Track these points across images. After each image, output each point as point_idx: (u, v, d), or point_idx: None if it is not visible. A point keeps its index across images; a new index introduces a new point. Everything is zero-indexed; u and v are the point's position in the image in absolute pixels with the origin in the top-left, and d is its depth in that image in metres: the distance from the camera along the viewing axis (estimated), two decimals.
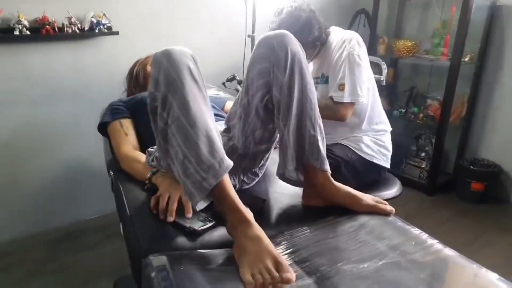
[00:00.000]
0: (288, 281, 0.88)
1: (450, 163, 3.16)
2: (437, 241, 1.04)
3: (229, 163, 1.05)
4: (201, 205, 1.08)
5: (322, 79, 1.91)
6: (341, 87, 1.78)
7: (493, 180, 2.84)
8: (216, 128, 1.10)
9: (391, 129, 2.03)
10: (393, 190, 1.94)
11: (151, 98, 1.10)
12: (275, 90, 1.18)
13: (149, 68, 1.92)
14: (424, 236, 1.07)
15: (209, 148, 1.02)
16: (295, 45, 1.18)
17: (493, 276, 0.91)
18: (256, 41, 1.21)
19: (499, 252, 2.30)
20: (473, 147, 3.06)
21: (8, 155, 2.21)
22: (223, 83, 2.41)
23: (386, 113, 3.08)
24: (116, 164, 1.49)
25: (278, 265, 0.91)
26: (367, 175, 1.94)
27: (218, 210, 1.14)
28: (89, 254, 2.22)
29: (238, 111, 1.31)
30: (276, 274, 0.89)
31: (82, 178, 2.44)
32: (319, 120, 1.23)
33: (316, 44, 1.85)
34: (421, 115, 3.04)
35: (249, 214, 1.02)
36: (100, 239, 2.33)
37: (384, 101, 3.23)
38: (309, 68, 1.96)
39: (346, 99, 1.77)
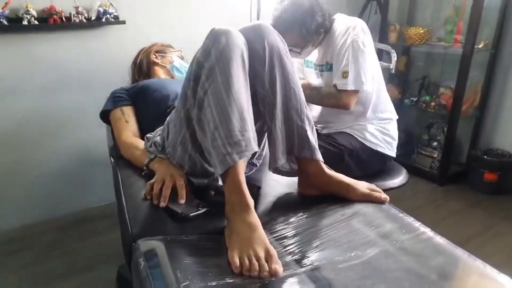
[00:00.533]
0: (275, 273, 0.87)
1: (463, 153, 3.10)
2: (429, 229, 1.02)
3: (255, 146, 1.05)
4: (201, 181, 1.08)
5: (327, 66, 1.89)
6: (345, 75, 1.76)
7: (507, 171, 2.76)
8: (251, 111, 1.10)
9: (397, 117, 2.00)
10: (398, 179, 1.91)
11: (197, 66, 1.09)
12: (257, 85, 1.16)
13: (153, 56, 1.93)
14: (417, 224, 1.05)
15: (241, 126, 1.02)
16: (272, 36, 1.16)
17: (481, 264, 0.91)
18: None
19: (509, 245, 2.25)
20: (486, 136, 2.99)
21: (17, 142, 2.26)
22: None
23: (397, 101, 3.05)
24: (116, 151, 1.51)
25: (268, 255, 0.91)
26: (372, 164, 1.92)
27: (212, 196, 1.16)
28: (95, 240, 2.25)
29: None
30: (264, 263, 0.89)
31: (90, 165, 2.48)
32: (306, 110, 1.22)
33: (320, 31, 1.82)
34: (433, 103, 2.98)
35: (251, 201, 1.02)
36: (107, 225, 2.36)
37: (396, 90, 3.19)
38: (312, 57, 1.96)
39: (350, 87, 1.75)
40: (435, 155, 3.02)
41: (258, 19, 2.54)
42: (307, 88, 1.91)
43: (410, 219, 1.08)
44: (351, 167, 1.85)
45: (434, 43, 2.93)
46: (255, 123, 1.25)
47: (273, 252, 0.91)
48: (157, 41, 2.06)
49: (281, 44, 1.18)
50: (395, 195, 1.89)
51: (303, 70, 2.09)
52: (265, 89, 1.15)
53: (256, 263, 0.89)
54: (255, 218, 0.99)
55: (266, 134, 1.35)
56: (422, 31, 2.92)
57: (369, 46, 1.79)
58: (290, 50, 1.82)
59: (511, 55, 2.75)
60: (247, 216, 0.98)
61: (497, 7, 2.69)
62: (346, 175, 1.84)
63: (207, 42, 1.09)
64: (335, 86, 1.79)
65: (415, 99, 3.11)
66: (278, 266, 0.89)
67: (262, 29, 1.15)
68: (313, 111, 2.02)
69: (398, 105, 3.17)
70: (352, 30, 1.76)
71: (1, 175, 2.27)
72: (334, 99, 1.80)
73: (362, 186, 1.22)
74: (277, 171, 1.27)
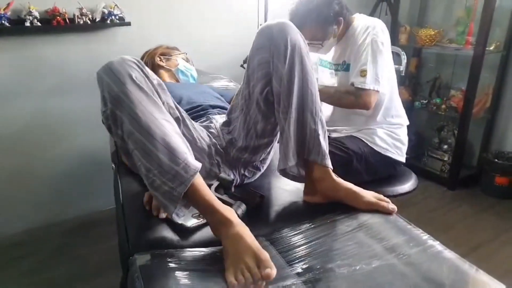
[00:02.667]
0: (267, 277, 0.86)
1: (474, 156, 3.04)
2: (438, 242, 0.98)
3: (196, 165, 1.00)
4: (181, 212, 1.05)
5: (343, 66, 1.85)
6: (363, 73, 1.70)
7: None
8: (176, 131, 1.06)
9: (407, 123, 1.95)
10: (408, 184, 1.87)
11: (104, 117, 1.06)
12: (275, 81, 1.14)
13: (157, 59, 1.90)
14: (425, 236, 1.01)
15: (170, 155, 0.98)
16: (296, 34, 1.13)
17: (491, 281, 0.85)
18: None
19: None
20: (498, 139, 2.92)
21: (22, 145, 2.25)
22: (242, 65, 2.37)
23: (407, 104, 3.00)
24: (118, 157, 1.48)
25: (258, 261, 0.89)
26: (381, 169, 1.87)
27: None
28: (102, 245, 2.23)
29: (240, 103, 1.28)
30: (256, 271, 0.87)
31: (97, 168, 2.46)
32: (321, 114, 1.19)
33: (339, 20, 1.77)
34: (443, 106, 2.93)
35: (228, 212, 0.99)
36: (115, 230, 2.34)
37: (406, 92, 3.14)
38: (326, 55, 1.91)
39: (368, 86, 1.69)
40: (446, 158, 2.96)
41: (266, 17, 2.50)
42: (324, 87, 1.87)
43: (418, 231, 1.04)
44: (360, 172, 1.81)
45: (445, 45, 2.87)
46: (267, 123, 1.24)
47: (264, 255, 0.89)
48: (162, 43, 2.03)
49: (303, 44, 1.16)
50: (405, 199, 1.86)
51: (317, 69, 2.05)
52: (283, 86, 1.13)
53: (249, 276, 0.87)
54: (237, 228, 0.96)
55: (276, 137, 1.32)
56: (433, 32, 2.86)
57: (387, 47, 1.75)
58: (310, 44, 1.80)
59: None
60: (229, 230, 0.96)
61: (509, 8, 2.63)
62: (355, 180, 1.79)
63: (100, 89, 1.05)
64: (352, 84, 1.74)
65: (425, 101, 3.05)
66: (269, 270, 0.87)
67: (286, 26, 1.14)
68: (324, 112, 1.98)
69: (409, 108, 3.12)
70: (372, 29, 1.72)
71: (6, 178, 2.25)
72: (353, 96, 1.73)
73: (369, 195, 1.18)
74: (284, 173, 1.24)
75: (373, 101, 1.73)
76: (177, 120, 1.17)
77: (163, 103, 1.12)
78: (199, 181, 1.00)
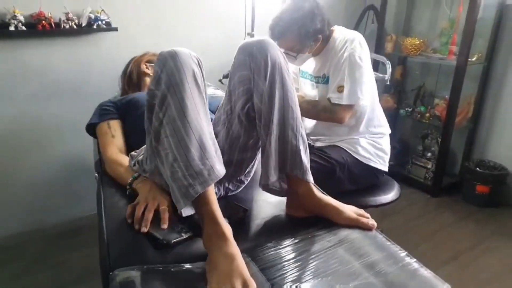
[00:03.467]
0: None
1: (456, 164, 3.10)
2: (415, 260, 1.00)
3: (220, 172, 1.02)
4: (187, 211, 1.06)
5: (323, 79, 1.87)
6: (340, 89, 1.75)
7: (499, 183, 2.77)
8: (212, 135, 1.08)
9: (390, 132, 1.98)
10: (391, 194, 1.91)
11: (150, 95, 1.08)
12: (256, 98, 1.15)
13: (143, 66, 1.89)
14: (403, 254, 1.03)
15: (201, 154, 1.00)
16: (276, 52, 1.15)
17: None
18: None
19: (500, 260, 2.24)
20: (480, 148, 2.99)
21: (5, 150, 2.22)
22: (220, 80, 2.38)
23: (392, 111, 3.05)
24: (102, 166, 1.48)
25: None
26: (364, 179, 1.90)
27: (197, 220, 1.12)
28: (85, 251, 2.21)
29: (222, 117, 1.28)
30: None
31: (80, 174, 2.43)
32: (302, 130, 1.20)
33: (318, 38, 1.79)
34: (427, 114, 2.97)
35: (227, 229, 0.99)
36: (97, 237, 2.33)
37: (391, 99, 3.18)
38: (307, 66, 1.93)
39: (345, 101, 1.73)
40: (429, 166, 3.01)
41: (252, 26, 2.51)
42: (303, 101, 1.90)
43: (396, 248, 1.06)
44: (343, 181, 1.84)
45: (429, 54, 2.92)
46: (249, 138, 1.25)
47: (252, 284, 0.89)
48: (149, 50, 2.02)
49: (283, 61, 1.17)
50: (389, 207, 1.88)
51: (298, 80, 2.07)
52: (263, 102, 1.14)
53: None
54: (232, 248, 0.96)
55: (259, 150, 1.33)
56: (418, 42, 2.90)
57: (366, 60, 1.77)
58: (286, 53, 1.81)
59: (504, 68, 2.74)
60: (224, 246, 0.96)
61: (491, 20, 2.69)
62: (337, 189, 1.83)
63: (156, 69, 1.06)
64: (329, 99, 1.77)
65: (410, 109, 3.10)
66: None
67: (265, 44, 1.15)
68: (307, 122, 2.00)
69: (393, 115, 3.16)
70: (350, 43, 1.74)
71: None
72: (328, 113, 1.79)
73: (350, 210, 1.20)
74: (267, 188, 1.25)
75: (346, 115, 1.78)
76: None
77: None
78: (212, 188, 1.02)
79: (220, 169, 1.04)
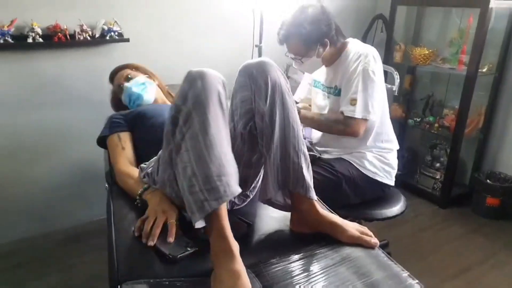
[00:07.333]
0: None
1: (466, 175, 3.07)
2: (417, 281, 1.02)
3: (235, 190, 1.05)
4: (199, 223, 1.08)
5: (335, 90, 1.89)
6: (353, 102, 1.75)
7: (510, 196, 2.73)
8: (231, 154, 1.11)
9: (397, 147, 1.98)
10: (396, 207, 1.91)
11: (175, 109, 1.11)
12: (257, 118, 1.18)
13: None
14: (404, 274, 1.04)
15: (219, 170, 1.02)
16: (275, 72, 1.18)
17: None
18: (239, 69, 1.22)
19: (510, 276, 2.21)
20: (490, 159, 2.96)
21: (20, 156, 2.29)
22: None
23: (401, 121, 3.04)
24: (112, 177, 1.52)
25: None
26: (370, 192, 1.92)
27: (202, 235, 1.15)
28: (95, 256, 2.25)
29: None
30: None
31: (91, 180, 2.47)
32: (303, 147, 1.22)
33: (325, 42, 1.80)
34: (436, 125, 2.96)
35: (235, 246, 1.01)
36: (105, 242, 2.36)
37: (400, 109, 3.17)
38: (320, 75, 1.94)
39: (357, 115, 1.74)
40: (438, 176, 3.00)
41: (260, 38, 2.54)
42: (315, 114, 1.92)
43: (398, 268, 1.07)
44: (348, 195, 1.86)
45: (439, 64, 2.91)
46: (253, 154, 1.27)
47: None
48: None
49: (284, 81, 1.20)
50: (396, 218, 1.89)
51: (310, 90, 2.09)
52: (265, 123, 1.17)
53: None
54: (238, 265, 0.98)
55: (262, 166, 1.35)
56: (427, 51, 2.90)
57: (379, 75, 1.78)
58: (293, 58, 1.85)
59: None
60: (230, 263, 0.98)
61: (502, 32, 2.67)
62: (343, 202, 1.84)
63: (184, 86, 1.10)
64: (342, 112, 1.79)
65: (419, 119, 3.09)
66: None
67: (265, 65, 1.18)
68: (315, 133, 2.02)
69: (402, 125, 3.16)
70: (364, 57, 1.76)
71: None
72: (342, 125, 1.79)
73: (353, 228, 1.21)
74: (270, 203, 1.28)
75: (361, 129, 1.77)
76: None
77: None
78: (225, 204, 1.05)
79: (236, 187, 1.06)
